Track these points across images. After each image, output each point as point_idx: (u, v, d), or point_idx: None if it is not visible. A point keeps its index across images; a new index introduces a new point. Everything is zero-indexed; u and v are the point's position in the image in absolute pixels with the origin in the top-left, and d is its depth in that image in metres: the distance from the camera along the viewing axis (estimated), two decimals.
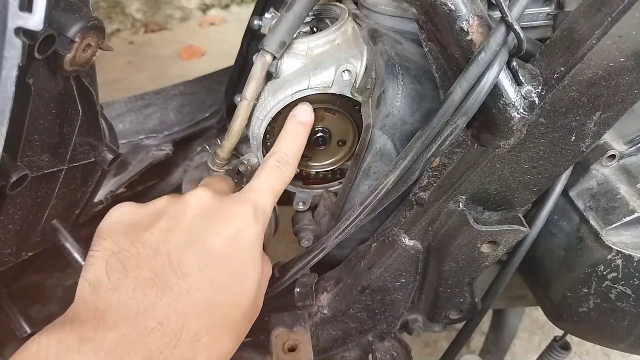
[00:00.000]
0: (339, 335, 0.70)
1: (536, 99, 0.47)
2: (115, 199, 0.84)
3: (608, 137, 0.60)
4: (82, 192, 0.64)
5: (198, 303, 0.45)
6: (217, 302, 0.46)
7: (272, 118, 0.61)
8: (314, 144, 0.64)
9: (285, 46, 0.59)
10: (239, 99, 0.59)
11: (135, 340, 0.41)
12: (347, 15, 0.63)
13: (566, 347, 0.85)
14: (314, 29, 0.67)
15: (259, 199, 0.52)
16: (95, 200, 0.75)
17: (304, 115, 0.59)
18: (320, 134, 0.64)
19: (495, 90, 0.46)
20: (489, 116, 0.48)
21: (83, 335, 0.40)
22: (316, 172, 0.69)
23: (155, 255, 0.45)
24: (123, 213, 0.50)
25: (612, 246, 0.56)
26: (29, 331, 0.70)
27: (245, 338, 0.66)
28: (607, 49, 0.43)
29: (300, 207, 0.71)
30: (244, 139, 0.65)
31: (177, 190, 0.99)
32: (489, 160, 0.52)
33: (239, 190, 0.56)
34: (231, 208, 0.50)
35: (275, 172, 0.55)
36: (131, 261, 0.45)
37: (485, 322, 1.17)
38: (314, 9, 0.62)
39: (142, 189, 0.97)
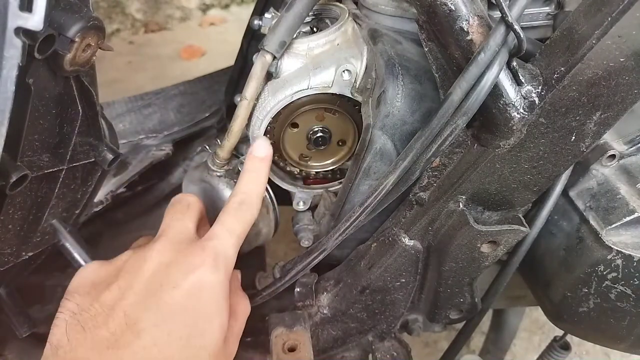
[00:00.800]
0: (339, 335, 0.70)
1: (536, 99, 0.47)
2: (115, 199, 0.84)
3: (608, 137, 0.60)
4: (82, 192, 0.64)
5: (155, 358, 0.45)
6: (174, 357, 0.46)
7: (272, 118, 0.61)
8: (314, 144, 0.64)
9: (286, 46, 0.59)
10: (239, 99, 0.59)
11: None
12: (347, 15, 0.63)
13: (566, 347, 0.85)
14: (314, 29, 0.67)
15: (219, 245, 0.52)
16: (96, 200, 0.75)
17: (260, 150, 0.59)
18: (320, 134, 0.64)
19: (495, 90, 0.46)
20: (489, 116, 0.48)
21: None
22: (316, 172, 0.69)
23: (111, 314, 0.46)
24: (88, 273, 0.52)
25: (612, 246, 0.56)
26: (29, 331, 0.70)
27: (245, 338, 0.67)
28: (607, 49, 0.43)
29: (300, 207, 0.71)
30: (244, 139, 0.65)
31: (177, 190, 0.99)
32: (489, 160, 0.52)
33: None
34: (190, 259, 0.50)
35: (236, 214, 0.55)
36: (89, 321, 0.46)
37: (485, 322, 1.17)
38: (314, 9, 0.62)
39: (142, 189, 0.97)
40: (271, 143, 0.65)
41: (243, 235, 0.55)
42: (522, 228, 0.57)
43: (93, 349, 0.44)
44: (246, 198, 0.56)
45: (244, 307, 0.57)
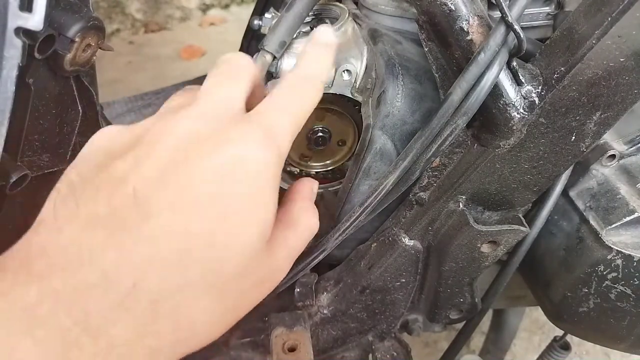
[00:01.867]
0: (339, 335, 0.70)
1: (536, 99, 0.47)
2: None
3: (608, 137, 0.60)
4: None
5: (164, 255, 0.32)
6: (193, 256, 0.33)
7: None
8: (314, 144, 0.64)
9: (286, 46, 0.59)
10: None
11: (68, 296, 0.29)
12: (347, 16, 0.63)
13: (566, 347, 0.85)
14: (314, 29, 0.67)
15: (272, 120, 0.38)
16: None
17: (325, 36, 0.46)
18: (320, 134, 0.64)
19: (495, 90, 0.46)
20: (489, 116, 0.48)
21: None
22: (316, 172, 0.69)
23: (117, 188, 0.33)
24: (102, 138, 0.38)
25: (612, 246, 0.56)
26: None
27: (245, 338, 0.66)
28: (607, 49, 0.43)
29: None
30: None
31: None
32: (489, 160, 0.52)
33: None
34: (231, 130, 0.36)
35: (293, 91, 0.41)
36: (87, 194, 0.33)
37: (485, 322, 1.17)
38: (314, 9, 0.62)
39: None
40: None
41: (300, 121, 0.40)
42: (522, 228, 0.57)
43: (84, 229, 0.32)
44: (308, 75, 0.43)
45: (311, 222, 0.44)
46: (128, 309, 0.30)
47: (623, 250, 0.56)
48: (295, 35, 0.60)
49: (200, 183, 0.34)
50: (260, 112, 0.38)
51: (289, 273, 0.57)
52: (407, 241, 0.62)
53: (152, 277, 0.31)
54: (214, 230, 0.34)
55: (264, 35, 0.60)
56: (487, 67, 0.44)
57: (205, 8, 3.02)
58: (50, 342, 0.28)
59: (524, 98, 0.47)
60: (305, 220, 0.43)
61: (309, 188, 0.46)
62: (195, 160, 0.34)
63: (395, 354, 0.69)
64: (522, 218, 0.58)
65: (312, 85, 0.42)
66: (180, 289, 0.32)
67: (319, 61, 0.44)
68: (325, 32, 0.46)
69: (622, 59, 0.43)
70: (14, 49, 0.40)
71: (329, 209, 0.67)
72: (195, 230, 0.33)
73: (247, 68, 0.41)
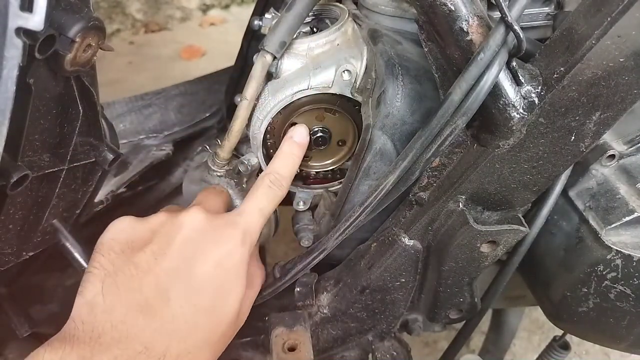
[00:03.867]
0: (339, 335, 0.70)
1: (536, 99, 0.47)
2: (115, 199, 0.84)
3: (608, 137, 0.60)
4: (83, 192, 0.64)
5: (181, 327, 0.48)
6: (199, 325, 0.49)
7: (272, 118, 0.61)
8: (314, 144, 0.64)
9: (286, 46, 0.59)
10: (239, 99, 0.59)
11: None
12: (347, 16, 0.63)
13: (566, 346, 0.85)
14: (314, 29, 0.67)
15: (249, 222, 0.55)
16: (96, 200, 0.75)
17: (300, 137, 0.61)
18: (320, 134, 0.64)
19: (495, 91, 0.46)
20: (489, 116, 0.48)
21: (82, 354, 0.43)
22: (316, 172, 0.69)
23: (145, 279, 0.48)
24: (122, 229, 0.52)
25: (611, 246, 0.56)
26: (29, 331, 0.70)
27: (245, 338, 0.67)
28: (606, 49, 0.43)
29: (300, 207, 0.71)
30: (244, 139, 0.65)
31: (178, 190, 0.99)
32: (488, 160, 0.52)
33: (236, 197, 0.61)
34: (221, 232, 0.53)
35: (267, 193, 0.57)
36: (125, 283, 0.48)
37: (485, 322, 1.17)
38: (314, 9, 0.63)
39: (143, 189, 0.97)
40: (271, 143, 0.65)
41: (269, 215, 0.58)
42: (522, 228, 0.57)
43: (128, 312, 0.46)
44: (279, 178, 0.58)
45: (260, 277, 0.61)
46: None
47: (622, 250, 0.56)
48: (295, 36, 0.60)
49: (202, 274, 0.50)
50: (241, 214, 0.55)
51: (289, 273, 0.60)
52: (407, 241, 0.62)
53: (175, 344, 0.47)
54: (213, 305, 0.50)
55: (264, 35, 0.60)
56: (487, 67, 0.44)
57: (205, 8, 3.02)
58: None
59: (524, 98, 0.47)
60: (257, 279, 0.60)
61: (255, 249, 0.61)
62: (198, 259, 0.50)
63: (395, 353, 0.69)
64: (522, 218, 0.58)
65: (282, 186, 0.59)
66: (191, 351, 0.48)
67: (290, 164, 0.60)
68: (301, 134, 0.61)
69: (621, 59, 0.43)
70: (15, 49, 0.40)
71: (329, 209, 0.67)
72: (201, 307, 0.49)
73: (225, 193, 0.63)
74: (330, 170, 0.69)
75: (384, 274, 0.64)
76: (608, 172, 0.61)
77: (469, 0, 0.47)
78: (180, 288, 0.49)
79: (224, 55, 1.41)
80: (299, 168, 0.68)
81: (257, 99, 0.61)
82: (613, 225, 0.57)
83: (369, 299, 0.67)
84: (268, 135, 0.64)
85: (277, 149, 0.65)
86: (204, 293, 0.50)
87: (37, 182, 0.54)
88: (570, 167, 0.58)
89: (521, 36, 0.43)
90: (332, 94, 0.60)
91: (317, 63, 0.59)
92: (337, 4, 0.67)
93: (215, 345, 0.52)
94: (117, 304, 0.47)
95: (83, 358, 0.43)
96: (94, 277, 0.48)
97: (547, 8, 0.59)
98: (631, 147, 0.60)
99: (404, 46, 0.59)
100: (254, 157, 0.66)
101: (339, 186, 0.69)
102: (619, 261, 0.57)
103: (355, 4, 0.69)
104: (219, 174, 0.64)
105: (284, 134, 0.64)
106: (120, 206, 0.93)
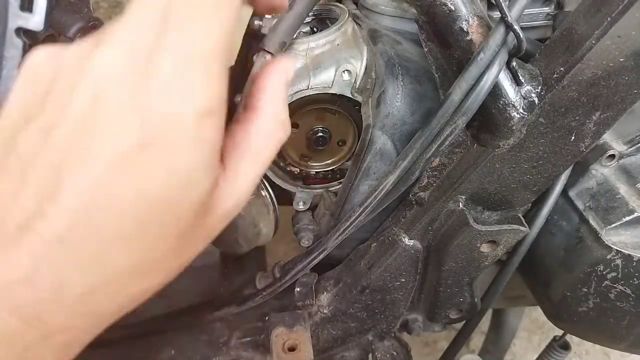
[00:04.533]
0: (339, 334, 0.70)
1: (536, 99, 0.47)
2: None
3: (607, 137, 0.60)
4: None
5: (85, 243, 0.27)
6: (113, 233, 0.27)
7: None
8: (314, 144, 0.64)
9: (286, 46, 0.59)
10: (239, 99, 0.59)
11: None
12: (347, 16, 0.63)
13: (566, 346, 0.85)
14: (314, 29, 0.67)
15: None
16: None
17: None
18: (320, 134, 0.64)
19: (495, 91, 0.46)
20: (489, 116, 0.48)
21: None
22: (316, 172, 0.69)
23: (27, 177, 0.27)
24: (30, 74, 0.30)
25: (611, 246, 0.56)
26: None
27: (246, 338, 0.66)
28: (606, 49, 0.43)
29: (300, 207, 0.71)
30: None
31: None
32: (488, 160, 0.52)
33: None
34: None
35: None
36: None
37: (485, 322, 1.17)
38: (314, 9, 0.63)
39: None
40: None
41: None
42: (522, 228, 0.57)
43: None
44: None
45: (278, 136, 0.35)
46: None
47: (622, 250, 0.56)
48: (295, 36, 0.60)
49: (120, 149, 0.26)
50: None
51: (289, 273, 0.59)
52: (407, 241, 0.62)
53: (78, 276, 0.28)
54: (143, 185, 0.27)
55: (264, 35, 0.60)
56: (487, 67, 0.44)
57: None
58: None
59: (524, 98, 0.47)
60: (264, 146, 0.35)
61: (281, 76, 0.36)
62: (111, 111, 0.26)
63: (395, 353, 0.69)
64: (522, 218, 0.58)
65: None
66: (115, 273, 0.28)
67: None
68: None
69: (621, 59, 0.43)
70: (15, 49, 0.40)
71: (329, 209, 0.68)
72: (118, 195, 0.27)
73: None
74: (330, 170, 0.69)
75: (384, 274, 0.64)
76: (608, 172, 0.61)
77: (469, 0, 0.47)
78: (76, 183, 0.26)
79: None
80: (299, 168, 0.68)
81: None
82: (613, 225, 0.57)
83: (369, 299, 0.67)
84: None
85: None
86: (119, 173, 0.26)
87: None
88: (570, 167, 0.58)
89: (521, 36, 0.43)
90: (332, 94, 0.60)
91: (317, 63, 0.59)
92: (337, 4, 0.67)
93: (162, 262, 0.30)
94: None
95: None
96: None
97: (547, 8, 0.59)
98: (631, 147, 0.60)
99: (404, 46, 0.59)
100: None
101: (339, 186, 0.70)
102: (619, 261, 0.57)
103: (355, 4, 0.69)
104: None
105: None
106: None
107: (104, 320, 0.30)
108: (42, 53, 0.30)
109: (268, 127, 0.35)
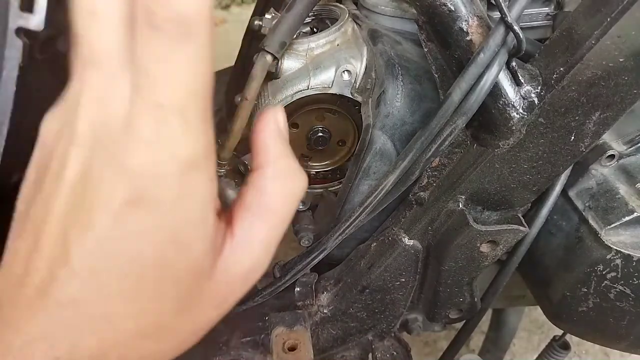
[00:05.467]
0: (339, 334, 0.70)
1: (535, 99, 0.47)
2: None
3: (607, 137, 0.60)
4: None
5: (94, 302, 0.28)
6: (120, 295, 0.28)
7: None
8: (314, 144, 0.64)
9: (286, 46, 0.59)
10: (239, 99, 0.60)
11: None
12: (347, 16, 0.63)
13: (565, 346, 0.85)
14: (314, 29, 0.67)
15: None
16: None
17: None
18: (320, 134, 0.64)
19: (495, 91, 0.46)
20: (489, 116, 0.48)
21: None
22: (316, 172, 0.69)
23: (39, 241, 0.28)
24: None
25: (611, 246, 0.56)
26: None
27: (246, 338, 0.66)
28: (606, 49, 0.43)
29: (300, 207, 0.71)
30: (244, 140, 0.65)
31: None
32: (488, 160, 0.52)
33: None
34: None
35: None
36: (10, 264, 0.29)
37: (485, 322, 1.17)
38: (314, 9, 0.63)
39: None
40: None
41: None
42: (522, 228, 0.57)
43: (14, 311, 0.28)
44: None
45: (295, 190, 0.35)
46: None
47: (622, 250, 0.56)
48: (295, 36, 0.60)
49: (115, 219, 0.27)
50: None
51: (289, 273, 0.59)
52: (406, 241, 0.62)
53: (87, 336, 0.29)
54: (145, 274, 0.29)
55: (265, 35, 0.60)
56: (487, 67, 0.44)
57: None
58: None
59: (523, 98, 0.47)
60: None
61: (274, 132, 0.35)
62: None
63: (395, 353, 0.69)
64: (522, 218, 0.58)
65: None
66: (126, 335, 0.30)
67: None
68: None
69: (621, 59, 0.44)
70: (15, 49, 0.40)
71: (329, 209, 0.68)
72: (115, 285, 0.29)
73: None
74: (330, 170, 0.69)
75: (384, 274, 0.64)
76: (608, 172, 0.61)
77: (468, 0, 0.47)
78: (80, 250, 0.27)
79: (224, 56, 1.41)
80: None
81: (257, 99, 0.61)
82: (612, 225, 0.57)
83: (369, 299, 0.67)
84: None
85: None
86: (125, 252, 0.27)
87: None
88: (570, 167, 0.58)
89: (521, 36, 0.43)
90: (332, 94, 0.60)
91: (317, 63, 0.60)
92: (337, 4, 0.67)
93: (166, 325, 0.30)
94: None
95: None
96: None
97: (547, 8, 0.59)
98: (631, 147, 0.60)
99: (404, 46, 0.59)
100: None
101: (339, 186, 0.70)
102: (618, 261, 0.57)
103: (355, 4, 0.70)
104: (219, 173, 0.64)
105: None
106: None
107: None
108: (55, 122, 0.31)
109: (281, 182, 0.34)
